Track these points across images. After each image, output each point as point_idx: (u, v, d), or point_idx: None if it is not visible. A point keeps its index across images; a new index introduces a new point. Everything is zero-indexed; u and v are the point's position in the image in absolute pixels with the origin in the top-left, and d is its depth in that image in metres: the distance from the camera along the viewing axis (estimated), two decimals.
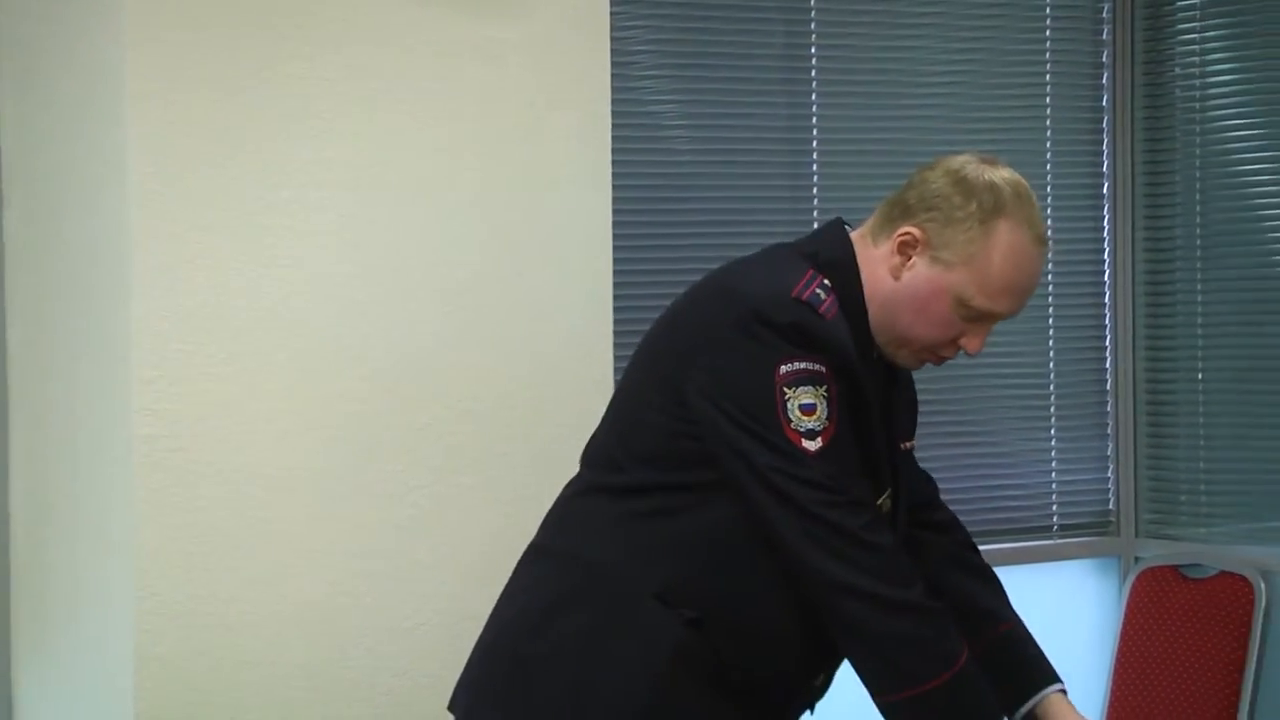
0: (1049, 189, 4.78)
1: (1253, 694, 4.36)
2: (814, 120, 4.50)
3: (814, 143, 4.50)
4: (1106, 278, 4.85)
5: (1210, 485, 4.76)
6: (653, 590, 2.47)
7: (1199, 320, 4.75)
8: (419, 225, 3.54)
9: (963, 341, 2.53)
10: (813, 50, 4.50)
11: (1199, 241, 4.76)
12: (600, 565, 2.52)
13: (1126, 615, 4.65)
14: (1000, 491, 4.73)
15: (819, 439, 2.43)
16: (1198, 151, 4.74)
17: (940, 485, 4.42)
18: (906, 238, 2.51)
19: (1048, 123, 4.79)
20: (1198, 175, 4.75)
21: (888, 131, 4.56)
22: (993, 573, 2.81)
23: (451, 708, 2.66)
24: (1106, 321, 4.86)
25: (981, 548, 4.42)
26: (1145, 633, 4.62)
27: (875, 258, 2.54)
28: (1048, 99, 4.79)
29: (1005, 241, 2.47)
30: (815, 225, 4.27)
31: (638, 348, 2.69)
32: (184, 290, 3.32)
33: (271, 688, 3.41)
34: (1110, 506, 4.84)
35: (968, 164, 2.52)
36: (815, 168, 4.49)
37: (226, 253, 3.36)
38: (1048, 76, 4.79)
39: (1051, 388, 4.80)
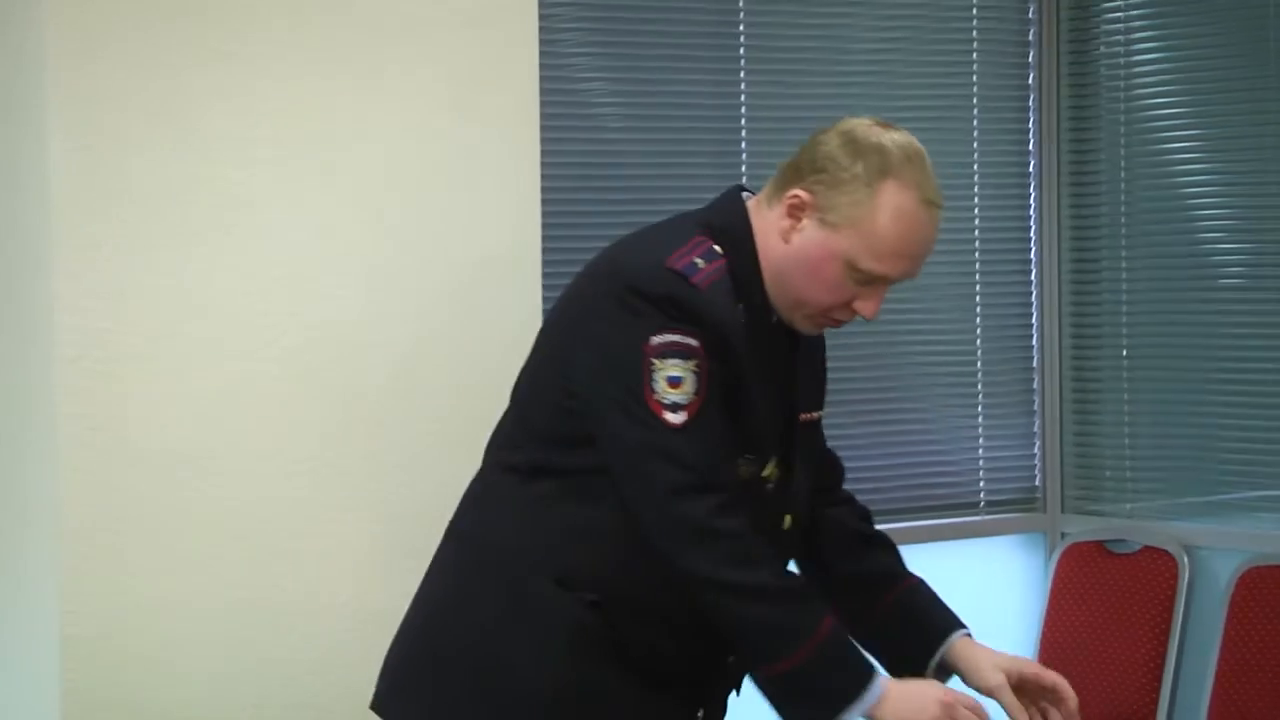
0: (975, 168, 4.78)
1: (1175, 668, 4.41)
2: (742, 99, 4.50)
3: (742, 120, 4.49)
4: (1033, 256, 4.88)
5: (1135, 461, 4.79)
6: (553, 575, 2.48)
7: (1124, 298, 4.78)
8: (344, 202, 3.53)
9: (857, 305, 2.50)
10: (741, 29, 4.49)
11: (1124, 220, 4.79)
12: (502, 550, 2.53)
13: (1053, 591, 4.68)
14: (927, 468, 4.74)
15: (683, 412, 2.42)
16: (1122, 131, 4.76)
17: (867, 462, 4.50)
18: (795, 200, 2.48)
19: (974, 102, 4.80)
20: (1122, 155, 4.77)
21: (815, 110, 4.46)
22: (888, 538, 2.82)
23: (375, 696, 2.69)
24: (1033, 299, 4.88)
25: (908, 524, 4.56)
26: (1071, 608, 4.65)
27: (769, 222, 2.52)
28: (974, 79, 4.80)
29: (892, 204, 2.44)
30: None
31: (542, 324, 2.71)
32: (107, 268, 3.30)
33: (199, 669, 3.39)
34: (1036, 483, 4.88)
35: (859, 126, 2.51)
36: (743, 144, 4.49)
37: (150, 230, 3.34)
38: (974, 56, 4.80)
39: (978, 365, 4.82)
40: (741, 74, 4.50)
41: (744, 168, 4.46)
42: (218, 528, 3.39)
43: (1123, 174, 4.78)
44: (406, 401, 3.58)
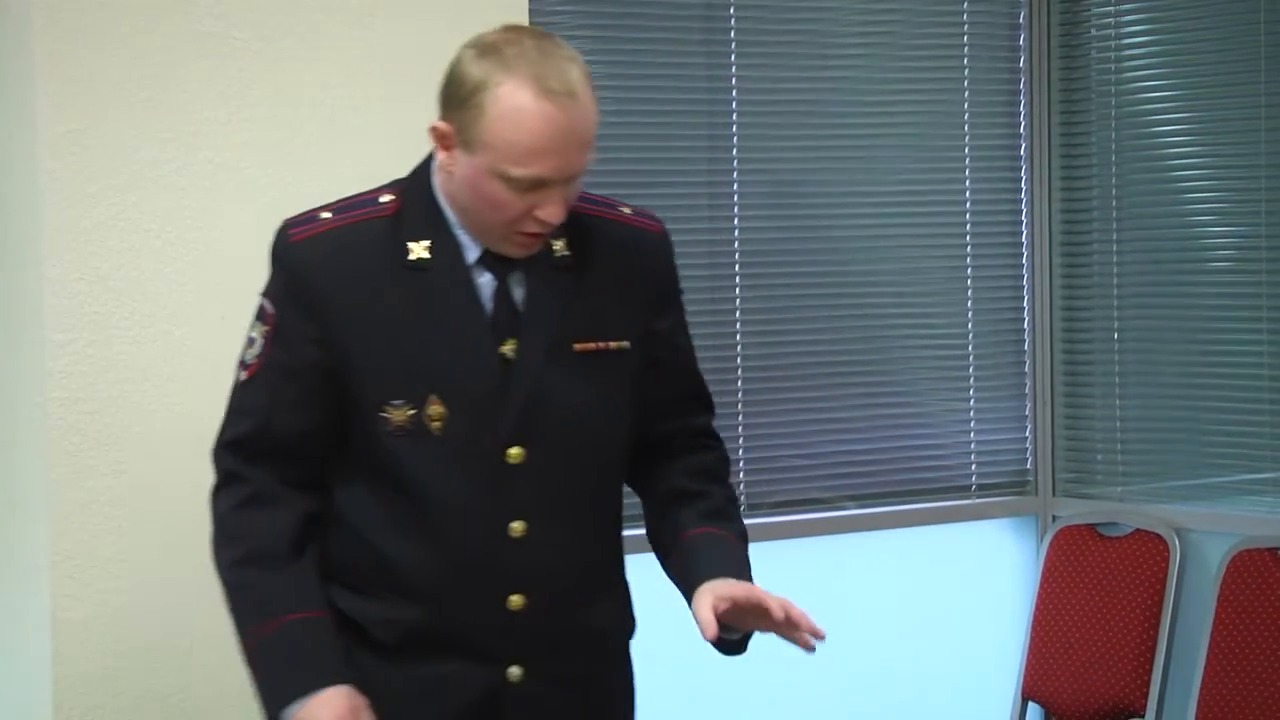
0: (966, 154, 4.79)
1: (1167, 650, 4.41)
2: (733, 80, 4.48)
3: (733, 97, 4.48)
4: (1024, 241, 4.89)
5: (1126, 445, 4.78)
6: (329, 573, 2.51)
7: (1115, 282, 4.78)
8: (334, 186, 3.45)
9: (538, 214, 2.42)
10: (731, 9, 4.48)
11: (1115, 205, 4.79)
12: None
13: (1044, 573, 4.70)
14: (919, 451, 4.76)
15: (246, 371, 2.49)
16: (1113, 113, 4.77)
17: (861, 446, 4.61)
18: (436, 133, 2.44)
19: (965, 88, 4.79)
20: (1113, 136, 4.77)
21: (806, 91, 4.56)
22: (706, 490, 2.64)
23: None
24: (1024, 283, 4.88)
25: (901, 508, 4.72)
26: (1062, 591, 4.67)
27: (439, 161, 2.48)
28: (965, 60, 4.80)
29: (509, 106, 2.36)
30: (734, 180, 4.51)
31: None
32: (98, 252, 3.33)
33: (190, 652, 3.39)
34: (1028, 466, 4.90)
35: (480, 38, 2.45)
36: (734, 130, 4.48)
37: (142, 214, 3.36)
38: (965, 38, 4.79)
39: (970, 348, 4.82)
40: (732, 54, 4.47)
41: (735, 151, 4.45)
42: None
43: (1113, 159, 4.78)
44: None
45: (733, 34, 4.48)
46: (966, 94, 4.81)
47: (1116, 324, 4.80)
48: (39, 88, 3.29)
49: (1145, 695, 4.43)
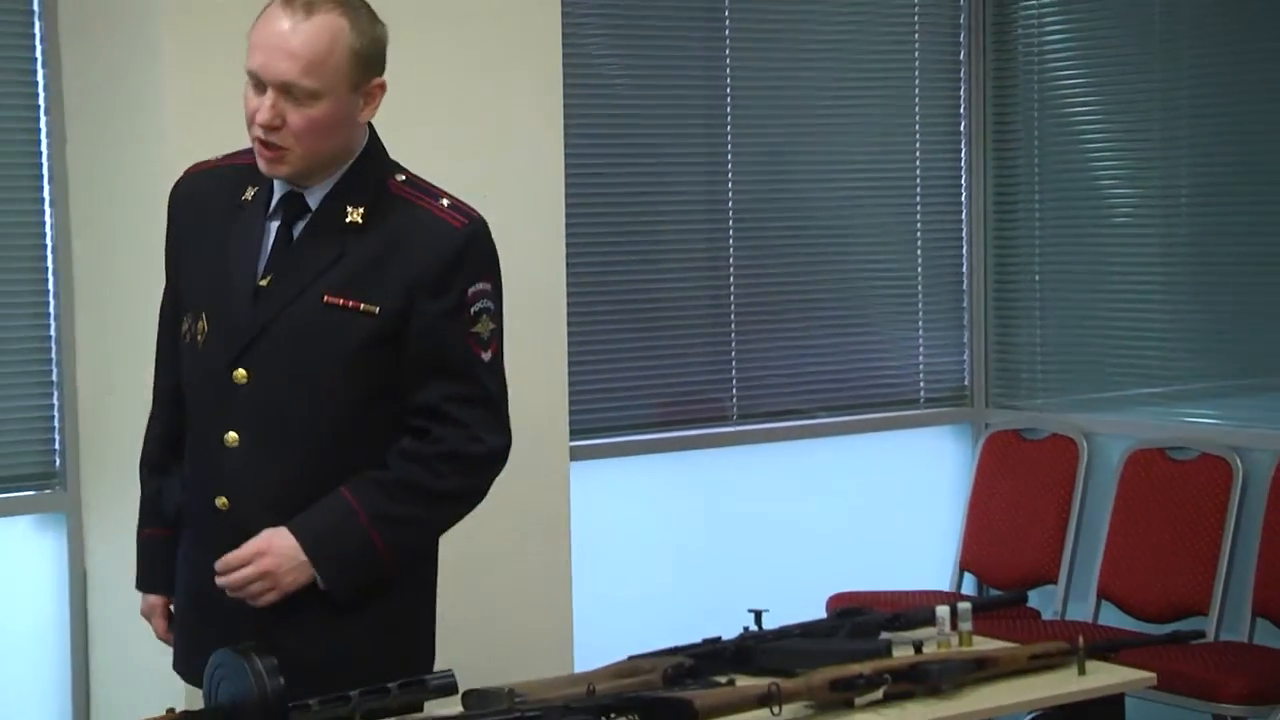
0: (917, 128, 5.00)
1: (1076, 529, 4.67)
2: (727, 71, 4.67)
3: (727, 79, 4.65)
4: (963, 199, 5.09)
5: (1045, 365, 5.00)
6: None
7: (1036, 233, 5.00)
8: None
9: (255, 114, 2.42)
10: (726, 17, 4.66)
11: (1037, 169, 4.99)
12: None
13: (978, 470, 4.95)
14: (877, 371, 4.97)
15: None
16: (1036, 96, 4.97)
17: (829, 366, 4.90)
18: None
19: (915, 74, 5.00)
20: (1036, 115, 4.99)
21: (787, 80, 4.77)
22: (393, 464, 2.52)
23: None
24: (963, 233, 5.10)
25: (862, 417, 4.95)
26: (992, 483, 4.89)
27: None
28: (915, 56, 5.01)
29: (260, 15, 2.43)
30: (729, 151, 4.66)
31: None
32: None
33: None
34: (965, 383, 5.11)
35: None
36: (728, 96, 4.66)
37: None
38: (915, 39, 4.99)
39: (919, 287, 5.04)
40: (726, 50, 4.67)
41: (729, 126, 4.67)
42: None
43: (1035, 133, 4.98)
44: None
45: (727, 30, 4.66)
46: (917, 81, 5.00)
47: (1038, 267, 5.00)
48: (166, 105, 3.43)
49: (1058, 565, 4.65)
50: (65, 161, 3.75)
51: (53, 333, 3.78)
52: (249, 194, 2.51)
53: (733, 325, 4.73)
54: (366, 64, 2.44)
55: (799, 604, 3.57)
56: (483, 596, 3.75)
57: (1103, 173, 4.85)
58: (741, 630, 2.85)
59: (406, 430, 2.51)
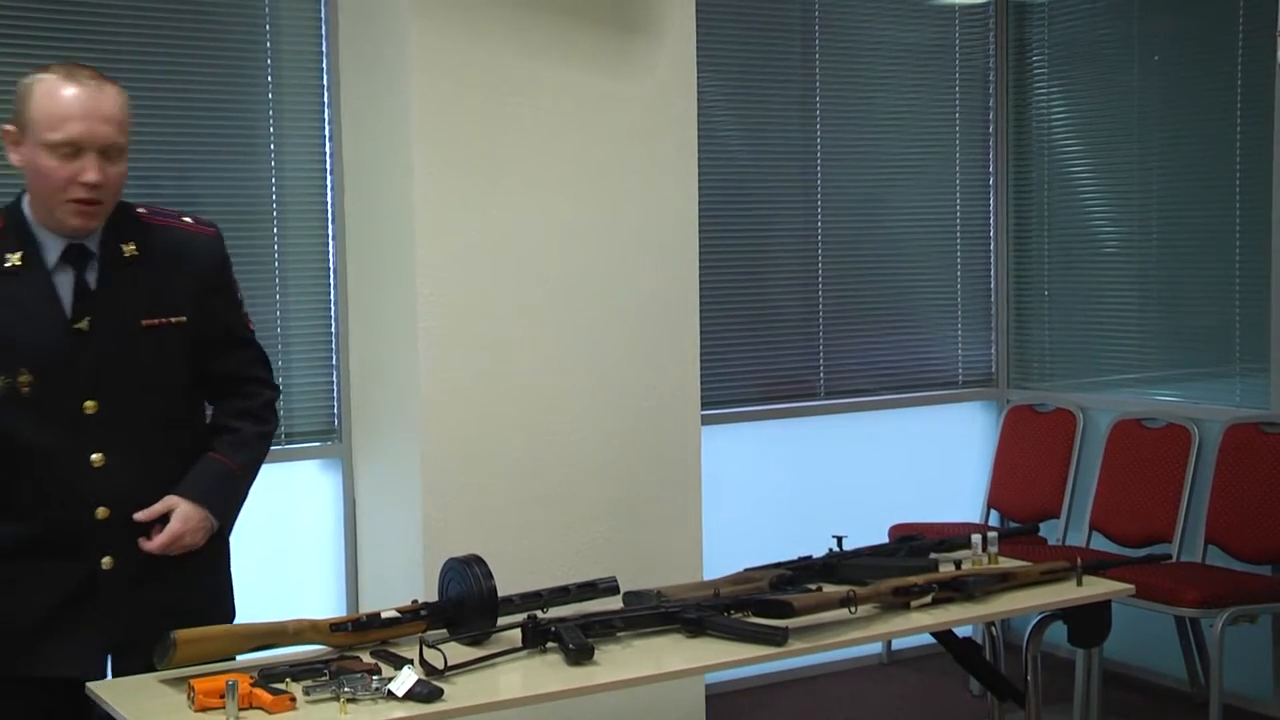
0: (958, 181, 4.86)
1: (1073, 482, 4.54)
2: (818, 140, 4.56)
3: (817, 148, 4.54)
4: (991, 234, 4.96)
5: (1052, 355, 4.85)
6: None
7: (1046, 259, 4.85)
8: (575, 222, 3.54)
9: (82, 178, 2.15)
10: (817, 83, 4.53)
11: (1047, 208, 4.84)
12: None
13: (1001, 436, 4.83)
14: (926, 360, 4.83)
15: None
16: (1045, 160, 4.84)
17: (878, 357, 4.70)
18: (6, 136, 2.22)
19: (956, 141, 4.87)
20: (1045, 175, 4.84)
21: (863, 144, 4.66)
22: (240, 426, 2.40)
23: None
24: (990, 259, 4.97)
25: (910, 395, 4.79)
26: (1012, 446, 4.78)
27: (14, 161, 2.23)
28: (956, 128, 4.88)
29: (40, 91, 2.15)
30: (819, 196, 4.50)
31: None
32: (453, 242, 3.38)
33: (535, 497, 3.50)
34: (992, 370, 4.97)
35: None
36: (818, 159, 4.55)
37: (479, 213, 3.40)
38: (956, 116, 4.88)
39: (958, 298, 4.91)
40: (817, 125, 4.52)
41: (819, 180, 4.55)
42: (536, 384, 3.49)
43: (1045, 187, 4.84)
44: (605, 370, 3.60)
45: (818, 111, 4.51)
46: (958, 146, 4.86)
47: (1046, 285, 4.86)
48: (414, 142, 3.30)
49: (1061, 505, 4.57)
50: (344, 209, 3.74)
51: (334, 330, 3.77)
52: (12, 262, 2.21)
53: (820, 326, 4.66)
54: None
55: (869, 532, 3.54)
56: (639, 525, 3.76)
57: (1094, 216, 4.77)
58: (827, 551, 2.84)
59: (217, 395, 2.42)
